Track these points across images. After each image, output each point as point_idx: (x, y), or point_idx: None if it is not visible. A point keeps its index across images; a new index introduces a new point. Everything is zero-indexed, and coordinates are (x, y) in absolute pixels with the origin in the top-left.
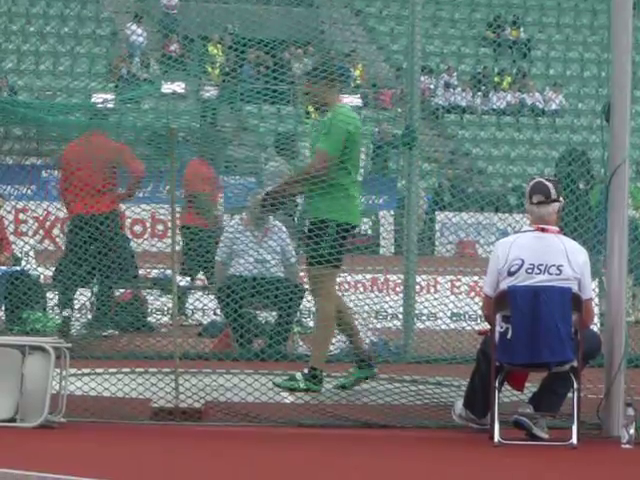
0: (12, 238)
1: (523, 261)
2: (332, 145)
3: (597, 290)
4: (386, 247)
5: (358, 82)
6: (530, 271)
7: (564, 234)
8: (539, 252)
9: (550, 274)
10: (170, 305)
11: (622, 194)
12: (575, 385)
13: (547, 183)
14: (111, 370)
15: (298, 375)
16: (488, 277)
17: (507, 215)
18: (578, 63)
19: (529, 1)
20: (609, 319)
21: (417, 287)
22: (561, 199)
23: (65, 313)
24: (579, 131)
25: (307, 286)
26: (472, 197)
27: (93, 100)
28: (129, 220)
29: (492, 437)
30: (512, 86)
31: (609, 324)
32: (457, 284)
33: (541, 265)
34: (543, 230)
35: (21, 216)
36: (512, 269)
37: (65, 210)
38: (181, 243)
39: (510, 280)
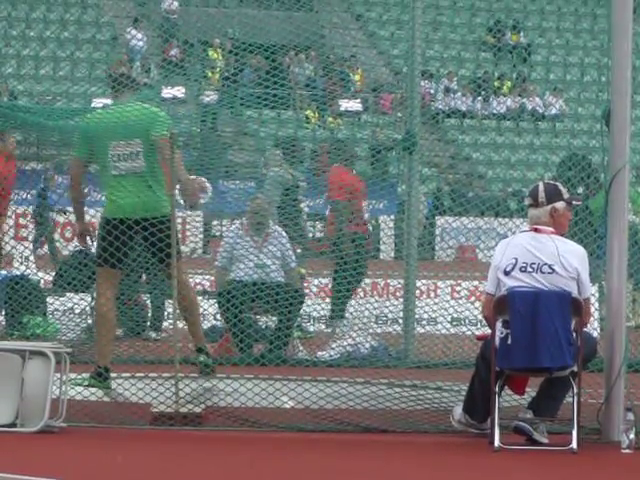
0: (12, 242)
1: (516, 260)
2: (75, 148)
3: (597, 295)
4: (386, 252)
5: (358, 86)
6: (523, 269)
7: (565, 237)
8: (531, 251)
9: (542, 272)
10: (170, 310)
11: (622, 199)
12: (575, 390)
13: (540, 187)
14: (111, 375)
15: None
16: (489, 276)
17: (507, 220)
18: (578, 68)
19: (529, 6)
20: (609, 324)
21: (417, 292)
22: (558, 204)
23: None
24: (579, 136)
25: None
26: (472, 202)
27: (93, 105)
28: None
29: (492, 442)
30: (512, 91)
31: (609, 329)
32: (457, 289)
33: (533, 264)
34: (537, 230)
35: (21, 221)
36: (507, 268)
37: None
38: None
39: (506, 279)
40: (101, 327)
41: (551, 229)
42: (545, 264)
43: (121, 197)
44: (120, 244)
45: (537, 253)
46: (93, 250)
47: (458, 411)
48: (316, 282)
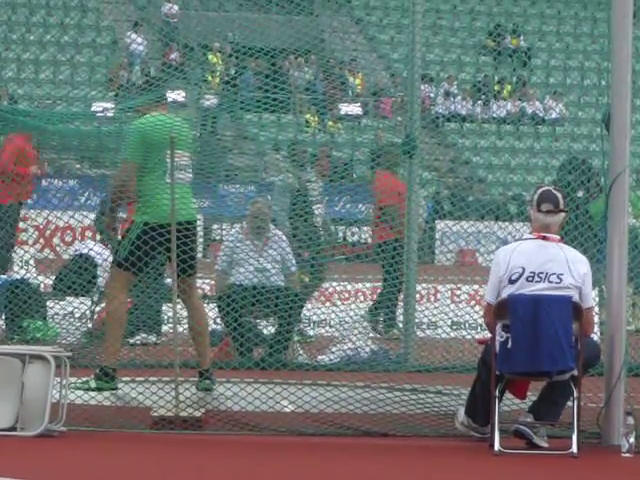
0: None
1: (524, 269)
2: (130, 153)
3: (597, 299)
4: None
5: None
6: (530, 279)
7: (565, 243)
8: (540, 260)
9: (550, 282)
10: (170, 314)
11: (622, 203)
12: (575, 394)
13: (556, 193)
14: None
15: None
16: (489, 284)
17: (507, 224)
18: (578, 71)
19: (529, 10)
20: (609, 328)
21: (417, 296)
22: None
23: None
24: (579, 140)
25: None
26: (472, 206)
27: (93, 109)
28: None
29: (492, 446)
30: (512, 95)
31: (609, 333)
32: (457, 293)
33: (541, 273)
34: (545, 238)
35: (21, 225)
36: (513, 277)
37: None
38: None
39: (511, 288)
40: (114, 329)
41: (558, 237)
42: (554, 273)
43: (168, 204)
44: (153, 250)
45: (546, 262)
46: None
47: (461, 414)
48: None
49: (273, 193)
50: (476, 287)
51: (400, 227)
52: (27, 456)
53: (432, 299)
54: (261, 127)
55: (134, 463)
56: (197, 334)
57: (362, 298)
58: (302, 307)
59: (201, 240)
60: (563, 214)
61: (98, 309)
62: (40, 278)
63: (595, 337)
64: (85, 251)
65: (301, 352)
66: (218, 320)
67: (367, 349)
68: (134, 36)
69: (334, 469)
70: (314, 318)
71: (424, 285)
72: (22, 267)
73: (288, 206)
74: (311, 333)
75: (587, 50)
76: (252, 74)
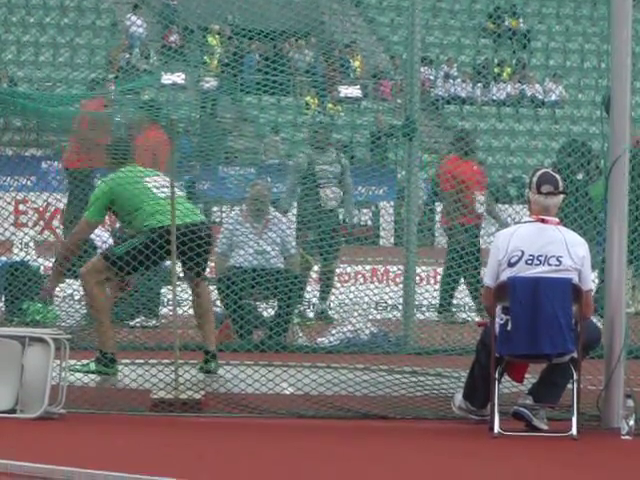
0: (12, 229)
1: (523, 252)
2: (92, 213)
3: (597, 281)
4: (386, 238)
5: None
6: (530, 262)
7: (564, 225)
8: (539, 243)
9: (550, 265)
10: (170, 296)
11: (622, 185)
12: (575, 376)
13: (555, 174)
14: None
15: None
16: (488, 268)
17: (507, 206)
18: (578, 54)
19: None
20: (609, 310)
21: (417, 278)
22: None
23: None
24: (579, 122)
25: None
26: None
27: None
28: None
29: (492, 428)
30: (512, 77)
31: (609, 315)
32: None
33: (541, 256)
34: (543, 221)
35: (21, 207)
36: (512, 260)
37: None
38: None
39: (510, 271)
40: (100, 317)
41: (557, 219)
42: (553, 256)
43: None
44: (148, 260)
45: (546, 245)
46: None
47: (458, 398)
48: (316, 268)
49: (286, 175)
50: None
51: (454, 213)
52: (27, 438)
53: (432, 281)
54: (261, 109)
55: (134, 445)
56: (200, 318)
57: (362, 280)
58: (302, 289)
59: None
60: (562, 195)
61: None
62: (40, 260)
63: (595, 319)
64: None
65: (301, 334)
66: (218, 302)
67: (367, 331)
68: (134, 18)
69: (333, 451)
70: (314, 301)
71: (424, 267)
72: (22, 249)
73: (293, 187)
74: (311, 315)
75: (587, 32)
76: (252, 56)
